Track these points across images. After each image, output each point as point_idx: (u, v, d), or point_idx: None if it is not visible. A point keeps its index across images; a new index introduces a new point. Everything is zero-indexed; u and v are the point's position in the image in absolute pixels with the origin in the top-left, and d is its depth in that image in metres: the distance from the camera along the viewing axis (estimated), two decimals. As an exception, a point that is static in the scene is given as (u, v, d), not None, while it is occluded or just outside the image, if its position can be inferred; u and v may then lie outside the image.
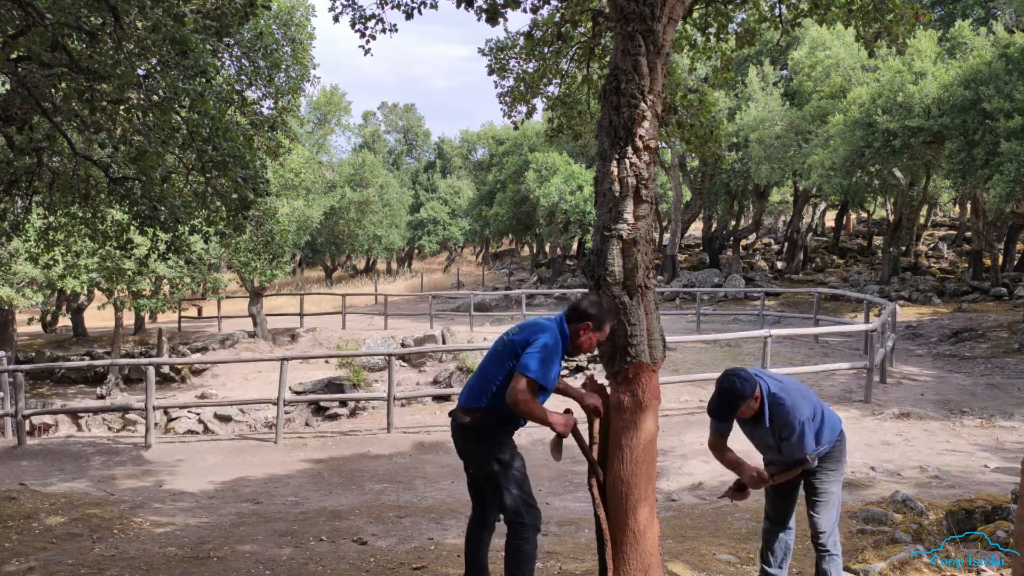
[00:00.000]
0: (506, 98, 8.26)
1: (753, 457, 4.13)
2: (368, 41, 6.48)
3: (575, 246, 39.81)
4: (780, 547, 4.08)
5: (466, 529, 4.17)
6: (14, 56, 5.66)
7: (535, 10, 6.82)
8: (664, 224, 35.41)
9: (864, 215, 39.83)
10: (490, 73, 8.19)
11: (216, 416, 13.41)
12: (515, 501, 3.83)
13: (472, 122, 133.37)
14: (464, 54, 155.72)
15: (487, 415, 3.84)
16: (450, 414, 4.05)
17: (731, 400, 3.70)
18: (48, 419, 13.22)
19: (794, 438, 3.77)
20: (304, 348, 21.96)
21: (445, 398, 13.03)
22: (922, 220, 34.24)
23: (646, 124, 3.50)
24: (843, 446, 4.02)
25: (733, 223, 36.29)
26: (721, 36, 7.07)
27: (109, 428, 13.73)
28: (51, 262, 15.31)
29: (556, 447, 3.86)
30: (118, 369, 18.72)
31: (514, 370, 3.72)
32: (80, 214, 8.21)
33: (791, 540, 4.09)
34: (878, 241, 33.43)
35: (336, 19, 6.47)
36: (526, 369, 3.66)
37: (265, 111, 9.39)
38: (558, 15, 7.07)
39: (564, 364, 6.55)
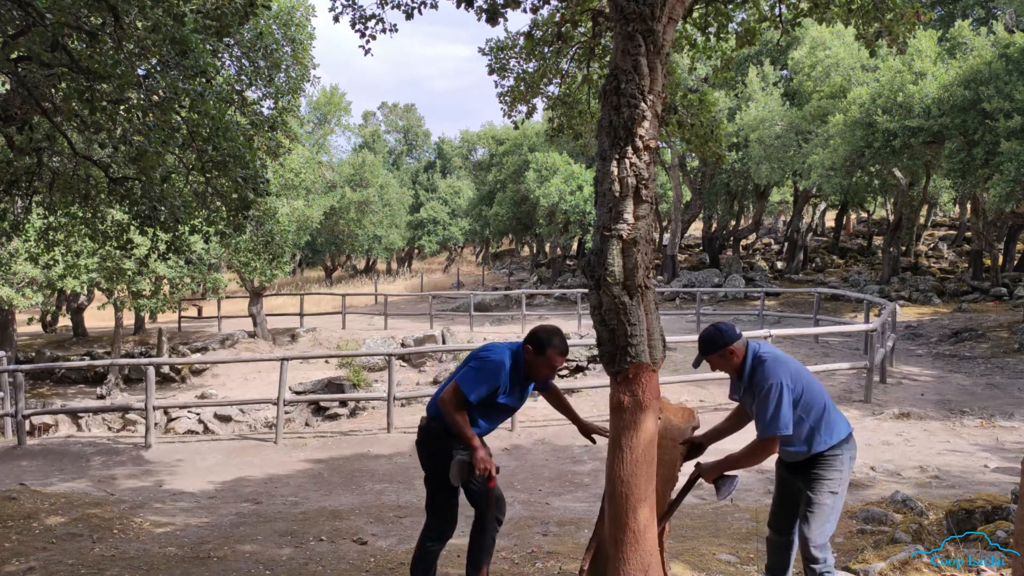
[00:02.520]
0: (506, 98, 8.26)
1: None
2: (368, 41, 6.47)
3: (575, 246, 39.82)
4: (780, 559, 4.02)
5: (470, 532, 4.21)
6: (14, 56, 5.66)
7: (535, 10, 6.81)
8: (664, 224, 35.39)
9: (864, 215, 39.81)
10: (490, 73, 8.19)
11: (216, 416, 13.40)
12: (442, 503, 4.05)
13: (472, 122, 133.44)
14: (465, 54, 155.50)
15: (440, 422, 4.04)
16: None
17: (703, 345, 3.78)
18: (48, 419, 13.21)
19: (760, 398, 3.60)
20: (304, 348, 21.95)
21: (445, 398, 13.01)
22: (922, 220, 34.22)
23: (646, 124, 3.49)
24: (844, 457, 3.72)
25: (733, 223, 36.28)
26: (721, 36, 7.07)
27: (109, 428, 13.72)
28: (51, 262, 15.31)
29: (457, 471, 3.86)
30: (118, 369, 18.71)
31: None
32: (80, 214, 8.20)
33: (792, 551, 4.02)
34: (878, 241, 33.42)
35: (336, 19, 6.46)
36: (456, 377, 3.96)
37: (265, 111, 9.38)
38: (558, 15, 7.07)
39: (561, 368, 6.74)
